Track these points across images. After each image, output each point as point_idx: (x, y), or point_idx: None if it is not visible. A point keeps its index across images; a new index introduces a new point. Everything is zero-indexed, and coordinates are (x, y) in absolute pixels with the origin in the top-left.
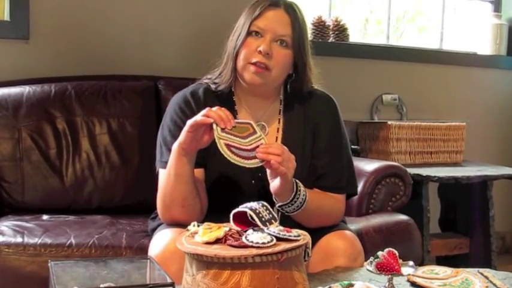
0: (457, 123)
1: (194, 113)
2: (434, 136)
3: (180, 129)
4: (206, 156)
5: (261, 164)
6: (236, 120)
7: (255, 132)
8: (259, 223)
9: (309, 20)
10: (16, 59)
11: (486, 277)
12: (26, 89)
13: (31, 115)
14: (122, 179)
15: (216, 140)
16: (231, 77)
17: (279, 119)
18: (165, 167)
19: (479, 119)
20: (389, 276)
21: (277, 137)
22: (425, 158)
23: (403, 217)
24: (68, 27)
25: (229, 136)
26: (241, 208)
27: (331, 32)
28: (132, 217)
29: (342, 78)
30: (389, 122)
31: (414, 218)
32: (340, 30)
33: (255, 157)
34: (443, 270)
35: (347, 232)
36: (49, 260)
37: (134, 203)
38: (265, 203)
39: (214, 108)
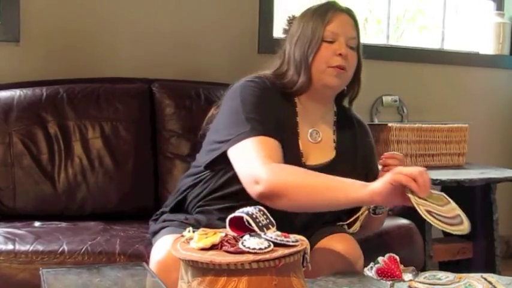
0: (459, 125)
1: (266, 91)
2: (436, 138)
3: (264, 103)
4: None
5: (467, 231)
6: (431, 191)
7: (449, 202)
8: (256, 228)
9: None
10: (6, 62)
11: (490, 282)
12: (16, 93)
13: (22, 119)
14: (116, 184)
15: (416, 207)
16: (308, 84)
17: (334, 131)
18: (255, 135)
19: (482, 120)
20: (390, 282)
21: (335, 146)
22: (426, 161)
23: (404, 221)
24: (59, 29)
25: (427, 203)
26: (237, 213)
27: None
28: (126, 223)
29: None
30: (389, 124)
31: (416, 222)
32: None
33: (457, 224)
34: (445, 276)
35: (347, 236)
36: (40, 268)
37: (128, 208)
38: (262, 208)
39: (420, 169)
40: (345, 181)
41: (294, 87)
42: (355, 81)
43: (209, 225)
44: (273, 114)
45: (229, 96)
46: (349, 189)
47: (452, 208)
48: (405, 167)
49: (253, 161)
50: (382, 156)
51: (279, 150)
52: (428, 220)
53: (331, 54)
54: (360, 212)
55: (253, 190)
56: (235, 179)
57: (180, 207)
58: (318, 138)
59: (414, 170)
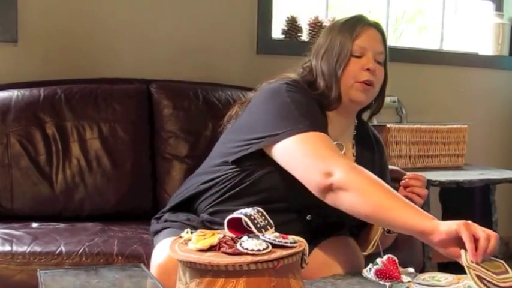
0: (458, 126)
1: (310, 96)
2: (435, 139)
3: (313, 106)
4: None
5: None
6: (490, 258)
7: (507, 271)
8: (254, 229)
9: (305, 21)
10: (4, 62)
11: None
12: (14, 93)
13: (20, 120)
14: (114, 185)
15: (466, 268)
16: (338, 99)
17: (353, 145)
18: (318, 130)
19: (481, 121)
20: (389, 283)
21: (355, 160)
22: (425, 162)
23: None
24: (57, 29)
25: (480, 267)
26: (235, 214)
27: None
28: (124, 224)
29: None
30: (388, 125)
31: None
32: None
33: None
34: (444, 277)
35: (347, 238)
36: (38, 269)
37: (126, 209)
38: (260, 209)
39: (491, 234)
40: (413, 207)
41: (326, 102)
42: (380, 95)
43: (220, 224)
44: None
45: (268, 96)
46: (410, 217)
47: (509, 278)
48: (479, 226)
49: (325, 153)
50: (406, 177)
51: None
52: (476, 286)
53: (359, 69)
54: (377, 234)
55: (319, 180)
56: (263, 178)
57: (185, 206)
58: (341, 152)
59: (483, 232)
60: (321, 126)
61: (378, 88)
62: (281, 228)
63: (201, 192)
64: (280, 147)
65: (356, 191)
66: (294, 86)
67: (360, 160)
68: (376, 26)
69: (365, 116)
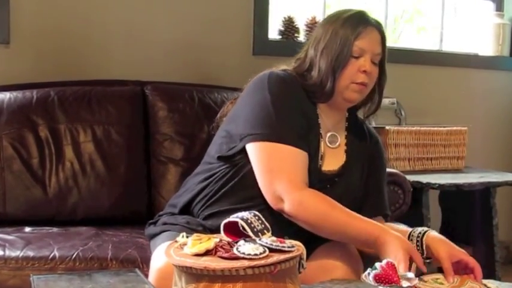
0: (458, 128)
1: (295, 88)
2: (434, 141)
3: (293, 102)
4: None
5: None
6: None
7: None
8: (251, 234)
9: (302, 21)
10: None
11: None
12: (6, 95)
13: (12, 123)
14: (108, 189)
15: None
16: (330, 96)
17: (345, 136)
18: (286, 143)
19: (481, 123)
20: None
21: (346, 151)
22: (425, 165)
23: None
24: (50, 30)
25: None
26: (232, 218)
27: None
28: (118, 228)
29: None
30: (387, 127)
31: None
32: None
33: None
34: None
35: (347, 243)
36: (31, 274)
37: (121, 213)
38: (257, 213)
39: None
40: (361, 219)
41: (317, 94)
42: (378, 95)
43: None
44: (301, 112)
45: (255, 88)
46: (364, 230)
47: None
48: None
49: (281, 175)
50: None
51: (306, 166)
52: None
53: (355, 70)
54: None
55: (275, 203)
56: (252, 172)
57: (185, 209)
58: (336, 144)
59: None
60: (293, 137)
61: (371, 88)
62: (273, 229)
63: (198, 192)
64: (252, 148)
65: (305, 224)
66: (280, 77)
67: (351, 150)
68: (378, 27)
69: (360, 113)
